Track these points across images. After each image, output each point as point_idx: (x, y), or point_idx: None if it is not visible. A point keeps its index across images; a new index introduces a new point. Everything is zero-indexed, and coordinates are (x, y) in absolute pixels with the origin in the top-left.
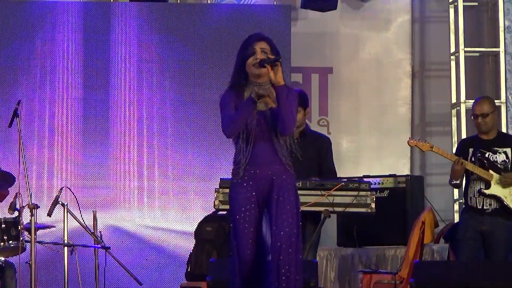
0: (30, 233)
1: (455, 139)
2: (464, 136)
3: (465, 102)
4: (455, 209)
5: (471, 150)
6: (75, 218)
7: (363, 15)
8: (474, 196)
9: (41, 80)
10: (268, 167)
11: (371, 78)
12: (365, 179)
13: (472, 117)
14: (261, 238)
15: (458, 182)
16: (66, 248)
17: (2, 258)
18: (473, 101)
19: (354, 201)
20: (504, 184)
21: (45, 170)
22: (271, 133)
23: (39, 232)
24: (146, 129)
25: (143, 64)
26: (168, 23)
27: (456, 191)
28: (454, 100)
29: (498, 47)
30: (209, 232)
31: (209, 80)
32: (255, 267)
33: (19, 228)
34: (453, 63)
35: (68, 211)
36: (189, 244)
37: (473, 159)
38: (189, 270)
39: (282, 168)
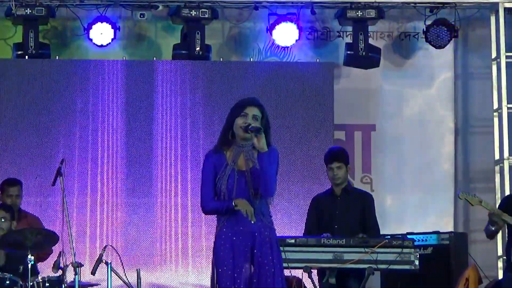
0: None
1: (498, 195)
2: (507, 192)
3: (508, 159)
4: (499, 266)
5: None
6: (119, 276)
7: (405, 72)
8: None
9: (83, 139)
10: (249, 225)
11: (414, 135)
12: (409, 236)
13: None
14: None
15: (493, 228)
16: None
17: None
18: None
19: (398, 258)
20: None
21: (88, 229)
22: (250, 192)
23: None
24: (191, 191)
25: (186, 123)
26: (211, 81)
27: (499, 248)
28: (497, 156)
29: None
30: None
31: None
32: None
33: (63, 287)
34: (496, 119)
35: (112, 269)
36: None
37: None
38: None
39: (263, 225)
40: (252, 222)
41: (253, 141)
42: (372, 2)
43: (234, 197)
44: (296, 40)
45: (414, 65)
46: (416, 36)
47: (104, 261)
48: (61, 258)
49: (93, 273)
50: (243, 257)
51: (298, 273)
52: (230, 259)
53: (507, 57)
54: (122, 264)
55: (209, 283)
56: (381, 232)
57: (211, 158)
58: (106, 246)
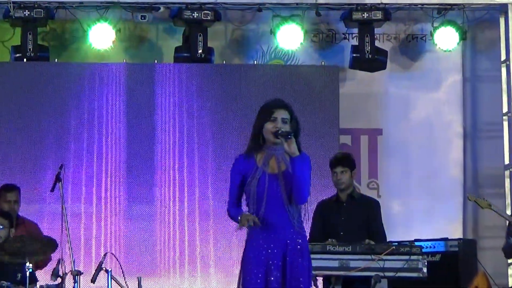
0: None
1: (508, 201)
2: None
3: None
4: (509, 273)
5: None
6: (120, 284)
7: (413, 75)
8: None
9: (82, 144)
10: (281, 231)
11: (422, 139)
12: (416, 243)
13: None
14: None
15: None
16: None
17: None
18: None
19: (405, 266)
20: None
21: (87, 237)
22: (283, 196)
23: None
24: (188, 197)
25: (188, 127)
26: (213, 84)
27: None
28: (507, 161)
29: None
30: None
31: None
32: None
33: None
34: (505, 123)
35: (112, 277)
36: None
37: None
38: None
39: (295, 232)
40: (257, 226)
41: (283, 146)
42: (379, 4)
43: (265, 202)
44: (301, 43)
45: (422, 68)
46: (424, 38)
47: (104, 268)
48: (60, 265)
49: (93, 281)
50: (274, 266)
51: None
52: (260, 267)
53: None
54: (122, 272)
55: None
56: (388, 239)
57: (240, 162)
58: (106, 253)
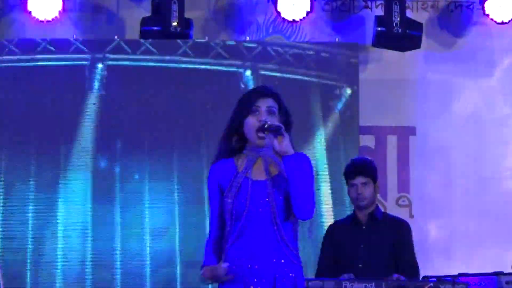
0: None
1: None
2: None
3: None
4: None
5: None
6: None
7: (456, 56)
8: None
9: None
10: (268, 262)
11: (468, 141)
12: (461, 278)
13: None
14: None
15: None
16: None
17: None
18: None
19: None
20: None
21: None
22: (273, 211)
23: None
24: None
25: (155, 124)
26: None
27: None
28: None
29: None
30: None
31: None
32: None
33: None
34: None
35: None
36: None
37: None
38: None
39: (287, 261)
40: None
41: (272, 145)
42: None
43: (246, 218)
44: (308, 13)
45: (468, 47)
46: (471, 7)
47: None
48: None
49: None
50: None
51: None
52: None
53: None
54: None
55: None
56: (423, 273)
57: (216, 171)
58: None
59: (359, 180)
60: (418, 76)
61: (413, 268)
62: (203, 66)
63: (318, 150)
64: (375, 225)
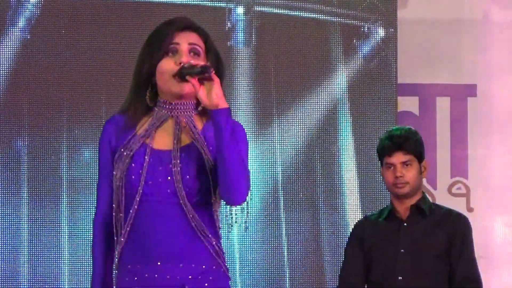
0: None
1: None
2: None
3: None
4: None
5: None
6: None
7: None
8: None
9: None
10: (174, 262)
11: None
12: None
13: None
14: None
15: None
16: None
17: None
18: None
19: None
20: None
21: None
22: (179, 195)
23: None
24: None
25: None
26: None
27: None
28: None
29: None
30: None
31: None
32: None
33: None
34: None
35: None
36: None
37: None
38: None
39: (202, 266)
40: None
41: (197, 95)
42: None
43: (140, 202)
44: None
45: None
46: None
47: None
48: None
49: None
50: None
51: None
52: None
53: None
54: None
55: None
56: (486, 284)
57: (109, 128)
58: None
59: (399, 158)
60: (478, 17)
61: (474, 276)
62: (180, 1)
63: (339, 118)
64: (420, 221)
